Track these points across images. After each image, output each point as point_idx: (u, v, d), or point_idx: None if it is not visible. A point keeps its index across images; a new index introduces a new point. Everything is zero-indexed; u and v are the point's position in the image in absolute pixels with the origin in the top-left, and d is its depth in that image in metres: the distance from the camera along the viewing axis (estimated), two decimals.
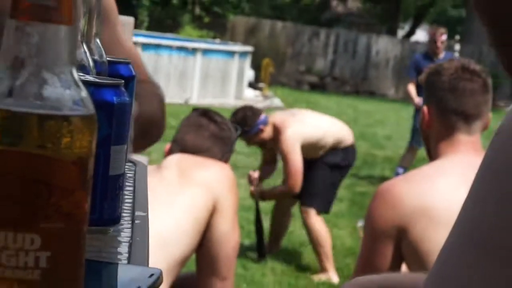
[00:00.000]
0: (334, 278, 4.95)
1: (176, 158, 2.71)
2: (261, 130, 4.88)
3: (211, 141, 2.88)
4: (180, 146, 2.89)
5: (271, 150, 5.19)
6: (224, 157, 2.94)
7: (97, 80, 0.89)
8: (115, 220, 0.93)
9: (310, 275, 5.03)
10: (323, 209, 5.14)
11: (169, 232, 2.41)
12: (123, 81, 0.90)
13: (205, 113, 3.02)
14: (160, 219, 2.33)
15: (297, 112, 5.70)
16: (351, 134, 5.22)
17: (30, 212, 0.49)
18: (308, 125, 5.10)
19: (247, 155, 8.30)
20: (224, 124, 3.00)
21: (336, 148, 5.05)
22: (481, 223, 0.57)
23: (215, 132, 2.93)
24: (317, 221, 5.04)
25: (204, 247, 2.56)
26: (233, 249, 2.62)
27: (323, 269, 5.01)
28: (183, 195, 2.51)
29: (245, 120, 4.82)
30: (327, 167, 5.06)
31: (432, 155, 2.32)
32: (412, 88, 8.20)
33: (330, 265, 4.99)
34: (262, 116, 5.01)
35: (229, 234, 2.57)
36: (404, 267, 2.19)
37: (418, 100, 7.87)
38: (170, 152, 2.92)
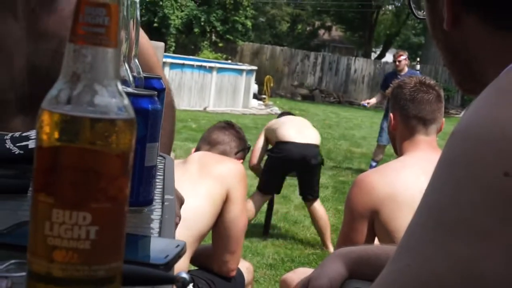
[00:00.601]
0: None
1: (198, 155, 2.71)
2: None
3: (230, 138, 2.95)
4: (205, 141, 2.94)
5: None
6: (239, 153, 2.98)
7: (136, 91, 0.89)
8: (149, 202, 0.93)
9: (302, 247, 5.03)
10: (261, 188, 5.01)
11: (191, 214, 2.39)
12: (156, 92, 0.90)
13: (227, 122, 3.11)
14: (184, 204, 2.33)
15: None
16: (293, 133, 4.85)
17: (83, 194, 0.49)
18: (273, 121, 5.27)
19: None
20: (241, 131, 3.08)
21: (277, 142, 4.90)
22: (439, 205, 0.56)
23: (233, 133, 3.00)
24: (253, 198, 4.96)
25: (218, 227, 2.54)
26: (242, 230, 2.59)
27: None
28: (202, 185, 2.50)
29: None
30: (269, 156, 5.03)
31: (398, 152, 2.32)
32: (377, 96, 8.52)
33: None
34: None
35: (239, 218, 2.55)
36: (376, 241, 2.19)
37: (363, 101, 8.31)
38: (197, 148, 2.97)
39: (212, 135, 2.96)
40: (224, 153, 2.87)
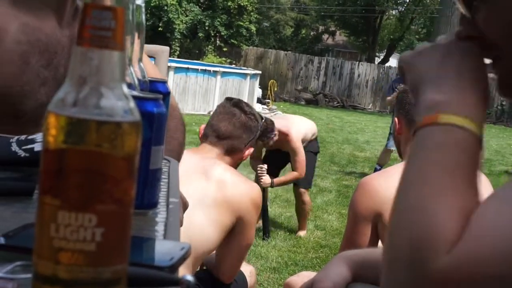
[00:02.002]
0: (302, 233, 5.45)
1: (218, 173, 2.53)
2: None
3: (241, 130, 2.78)
4: (214, 131, 2.78)
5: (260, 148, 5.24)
6: (250, 143, 2.85)
7: (141, 94, 0.89)
8: (154, 204, 0.93)
9: (306, 251, 5.02)
10: (308, 187, 5.50)
11: (197, 236, 2.31)
12: (161, 96, 0.90)
13: (237, 104, 2.90)
14: (192, 223, 2.24)
15: (286, 117, 5.82)
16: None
17: (89, 196, 0.49)
18: (301, 125, 5.26)
19: None
20: (252, 115, 2.89)
21: (311, 140, 5.31)
22: None
23: (245, 122, 2.83)
24: (306, 196, 5.43)
25: (224, 240, 2.50)
26: (246, 247, 2.55)
27: (302, 228, 5.51)
28: (215, 210, 2.39)
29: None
30: (311, 155, 5.31)
31: (403, 156, 2.32)
32: (390, 100, 8.45)
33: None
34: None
35: (245, 236, 2.49)
36: (380, 244, 2.18)
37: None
38: (205, 134, 2.82)
39: (221, 127, 2.76)
40: (233, 147, 2.75)
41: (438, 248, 0.62)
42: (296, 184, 5.33)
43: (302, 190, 5.35)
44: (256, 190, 2.57)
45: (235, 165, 2.82)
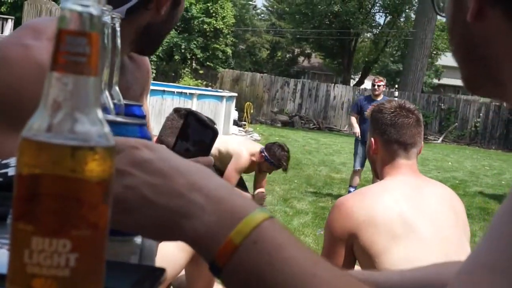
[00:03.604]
0: None
1: None
2: None
3: None
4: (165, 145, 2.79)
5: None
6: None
7: (127, 120, 0.89)
8: None
9: None
10: None
11: (164, 263, 2.32)
12: (145, 121, 0.90)
13: (186, 117, 2.88)
14: (161, 251, 2.25)
15: None
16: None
17: (63, 222, 0.49)
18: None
19: None
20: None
21: None
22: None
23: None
24: None
25: (192, 262, 2.49)
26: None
27: None
28: None
29: None
30: None
31: (379, 176, 2.33)
32: (354, 120, 8.42)
33: None
34: None
35: None
36: (357, 266, 2.18)
37: (358, 130, 8.06)
38: None
39: (170, 142, 2.80)
40: None
41: None
42: None
43: None
44: None
45: None
